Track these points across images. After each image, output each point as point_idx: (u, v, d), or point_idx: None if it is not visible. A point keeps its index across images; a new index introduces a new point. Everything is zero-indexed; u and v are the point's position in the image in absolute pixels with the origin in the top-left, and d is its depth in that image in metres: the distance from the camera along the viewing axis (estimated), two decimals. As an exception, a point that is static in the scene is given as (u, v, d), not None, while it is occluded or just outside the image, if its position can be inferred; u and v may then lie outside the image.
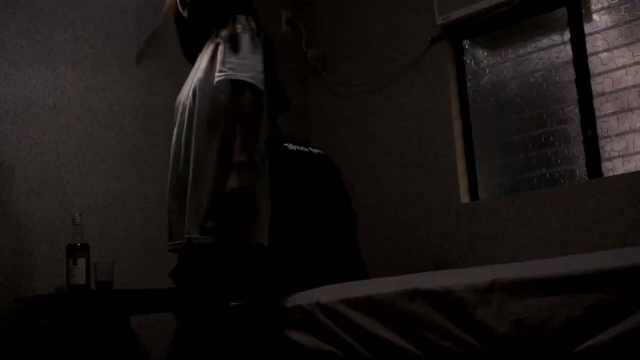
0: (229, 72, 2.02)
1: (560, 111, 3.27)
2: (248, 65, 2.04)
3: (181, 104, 2.20)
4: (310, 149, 3.18)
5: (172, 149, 2.24)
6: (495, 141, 3.49)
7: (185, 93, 2.19)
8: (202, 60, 2.15)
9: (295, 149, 3.09)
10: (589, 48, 3.18)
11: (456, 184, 3.43)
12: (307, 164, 3.08)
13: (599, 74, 3.15)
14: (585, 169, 3.14)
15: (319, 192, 3.08)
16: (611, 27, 3.14)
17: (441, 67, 3.57)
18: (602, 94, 3.13)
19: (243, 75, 2.01)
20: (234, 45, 2.04)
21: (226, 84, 2.01)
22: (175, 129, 2.23)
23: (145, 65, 2.81)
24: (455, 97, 3.54)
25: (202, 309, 1.99)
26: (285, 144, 3.05)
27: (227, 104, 2.00)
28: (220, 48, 2.08)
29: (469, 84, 3.57)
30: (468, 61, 3.60)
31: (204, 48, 2.18)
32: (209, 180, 1.99)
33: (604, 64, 3.15)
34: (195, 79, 2.13)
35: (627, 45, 3.09)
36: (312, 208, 3.03)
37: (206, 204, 1.98)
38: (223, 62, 2.04)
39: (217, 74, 2.04)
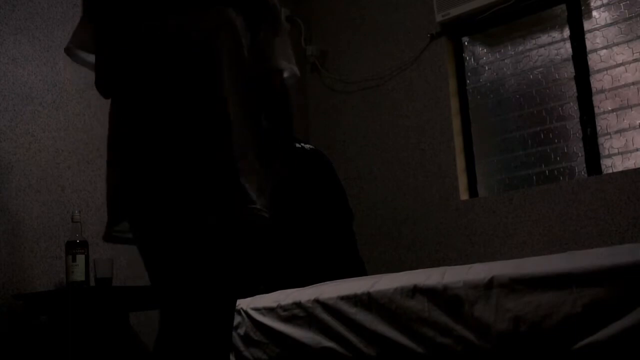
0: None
1: (560, 108, 3.27)
2: None
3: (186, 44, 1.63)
4: (302, 144, 3.17)
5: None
6: (495, 138, 3.49)
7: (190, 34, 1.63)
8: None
9: (288, 145, 3.08)
10: (589, 45, 3.18)
11: (455, 181, 3.43)
12: (300, 160, 3.07)
13: (598, 71, 3.15)
14: (584, 166, 3.14)
15: (313, 189, 3.07)
16: (610, 24, 3.14)
17: (440, 64, 3.56)
18: (602, 91, 3.13)
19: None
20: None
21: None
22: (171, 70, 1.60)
23: None
24: (454, 94, 3.54)
25: (202, 309, 1.96)
26: None
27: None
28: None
29: (468, 81, 3.57)
30: (467, 58, 3.60)
31: None
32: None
33: (604, 61, 3.15)
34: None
35: (626, 42, 3.09)
36: (308, 205, 3.03)
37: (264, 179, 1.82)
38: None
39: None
